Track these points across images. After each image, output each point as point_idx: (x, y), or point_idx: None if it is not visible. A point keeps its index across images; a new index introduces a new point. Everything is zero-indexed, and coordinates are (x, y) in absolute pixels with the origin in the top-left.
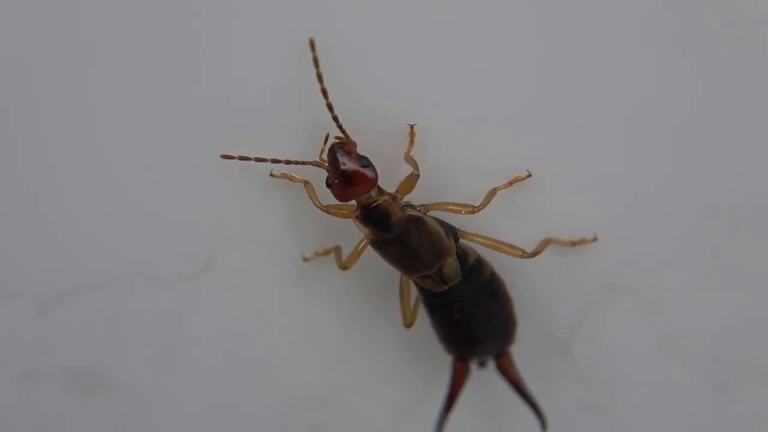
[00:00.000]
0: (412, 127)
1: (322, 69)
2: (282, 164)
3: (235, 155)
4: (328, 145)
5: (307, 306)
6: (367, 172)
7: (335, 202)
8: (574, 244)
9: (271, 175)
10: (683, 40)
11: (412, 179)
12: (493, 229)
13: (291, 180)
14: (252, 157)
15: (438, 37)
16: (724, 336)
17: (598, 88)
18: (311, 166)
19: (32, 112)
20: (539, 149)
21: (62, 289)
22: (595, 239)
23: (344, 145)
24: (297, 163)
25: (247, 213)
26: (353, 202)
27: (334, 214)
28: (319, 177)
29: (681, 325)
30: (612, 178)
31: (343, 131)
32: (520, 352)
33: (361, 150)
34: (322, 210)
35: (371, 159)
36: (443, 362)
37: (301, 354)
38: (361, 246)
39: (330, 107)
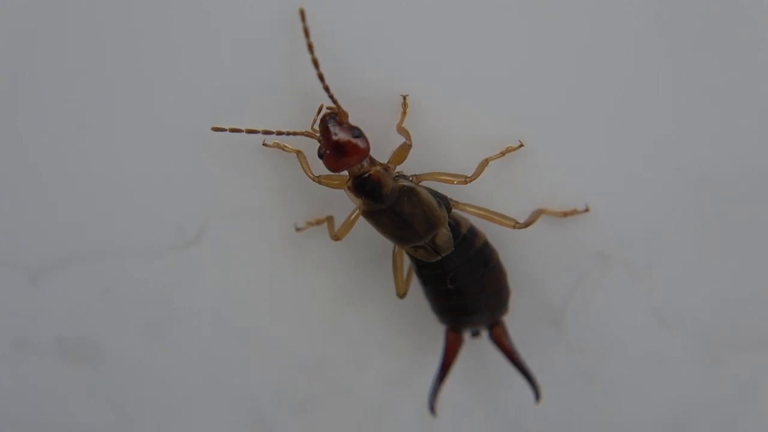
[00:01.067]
0: (404, 97)
1: (312, 39)
2: (274, 135)
3: (227, 127)
4: (321, 116)
5: (300, 276)
6: (359, 142)
7: (327, 172)
8: (566, 214)
9: (264, 144)
10: (678, 10)
11: (405, 149)
12: (486, 200)
13: (283, 150)
14: (243, 129)
15: (430, 7)
16: (714, 306)
17: (591, 59)
18: (303, 136)
19: (26, 86)
20: (532, 120)
21: (54, 260)
22: (587, 210)
23: (336, 116)
24: (289, 133)
25: (238, 184)
26: (345, 173)
27: (327, 185)
28: (311, 147)
29: (672, 295)
30: (604, 150)
31: (334, 101)
32: (512, 321)
33: (352, 121)
34: (314, 180)
35: (363, 129)
36: (436, 332)
37: (294, 324)
38: (353, 216)
39: (321, 77)
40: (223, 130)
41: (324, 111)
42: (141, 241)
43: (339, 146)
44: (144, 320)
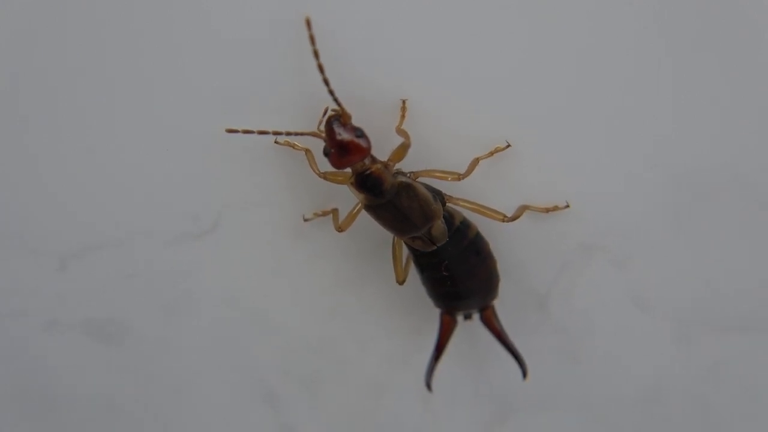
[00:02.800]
0: (404, 102)
1: (318, 46)
2: (284, 135)
3: (239, 129)
4: (326, 117)
5: (307, 263)
6: (361, 142)
7: (333, 169)
8: (548, 210)
9: (276, 142)
10: (663, 17)
11: (404, 148)
12: (477, 195)
13: (293, 148)
14: (255, 130)
15: (430, 8)
16: (687, 291)
17: (576, 62)
18: (310, 136)
19: (42, 78)
20: (519, 121)
21: (81, 247)
22: (567, 206)
23: (340, 117)
24: (297, 134)
25: (251, 178)
26: (349, 170)
27: (332, 181)
28: (318, 146)
29: (648, 281)
30: (586, 148)
31: (339, 104)
32: (502, 306)
33: (355, 121)
34: (320, 176)
35: (365, 130)
36: (432, 314)
37: (301, 307)
38: (355, 210)
39: (326, 82)
40: (236, 131)
41: (329, 113)
42: (161, 229)
43: (343, 146)
44: (163, 302)
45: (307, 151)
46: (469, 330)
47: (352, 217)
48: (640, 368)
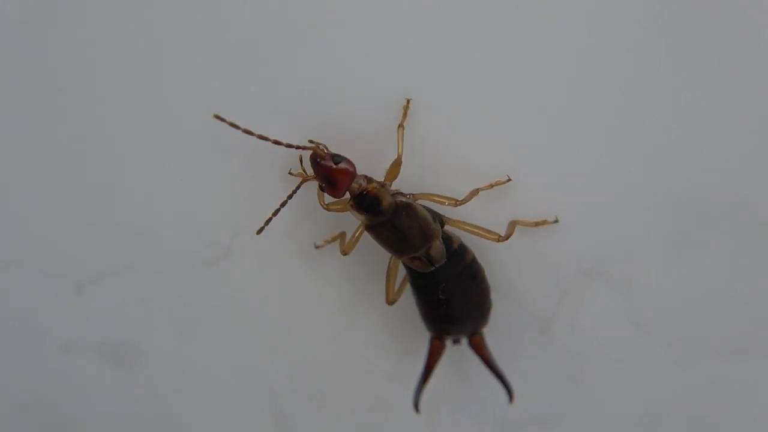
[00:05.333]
0: (408, 101)
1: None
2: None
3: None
4: (306, 161)
5: (316, 285)
6: (343, 166)
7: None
8: (536, 224)
9: (290, 174)
10: (664, 35)
11: (396, 166)
12: (473, 219)
13: (306, 179)
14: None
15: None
16: (686, 315)
17: (574, 85)
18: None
19: (61, 103)
20: (519, 145)
21: (97, 272)
22: (556, 221)
23: (316, 156)
24: (288, 146)
25: (263, 205)
26: (347, 196)
27: (335, 210)
28: None
29: (649, 304)
30: (586, 174)
31: (307, 146)
32: (505, 330)
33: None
34: (324, 208)
35: (345, 154)
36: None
37: (310, 328)
38: (357, 233)
39: (277, 142)
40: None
41: (305, 155)
42: (177, 255)
43: (328, 177)
44: (177, 325)
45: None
46: (470, 352)
47: (354, 240)
48: (640, 390)
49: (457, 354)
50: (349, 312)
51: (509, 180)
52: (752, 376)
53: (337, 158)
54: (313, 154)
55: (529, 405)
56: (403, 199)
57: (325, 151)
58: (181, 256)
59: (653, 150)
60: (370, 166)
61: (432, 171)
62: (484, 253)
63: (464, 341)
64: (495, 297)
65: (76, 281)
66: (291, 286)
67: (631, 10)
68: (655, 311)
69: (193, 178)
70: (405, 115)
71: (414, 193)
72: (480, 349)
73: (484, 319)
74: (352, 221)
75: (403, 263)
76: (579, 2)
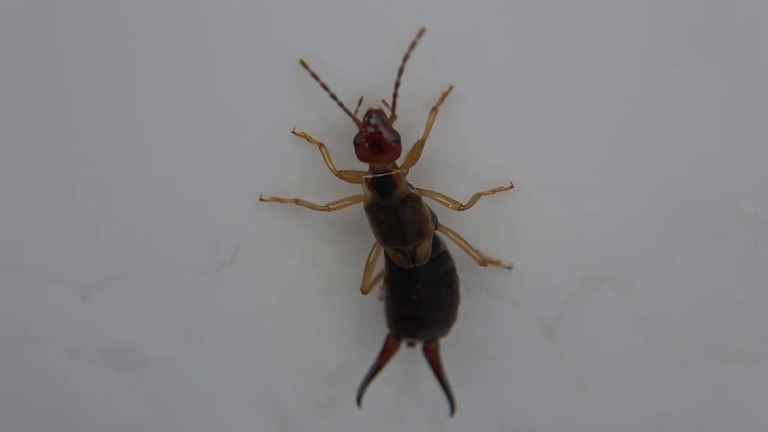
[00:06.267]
0: (450, 88)
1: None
2: (327, 94)
3: (309, 68)
4: (363, 106)
5: (320, 294)
6: (396, 147)
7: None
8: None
9: (293, 132)
10: (666, 40)
11: (419, 148)
12: (474, 223)
13: (308, 141)
14: (321, 80)
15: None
16: (690, 321)
17: (576, 91)
18: (349, 117)
19: (67, 109)
20: (524, 154)
21: (102, 277)
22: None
23: (382, 114)
24: (338, 102)
25: (268, 211)
26: (363, 168)
27: (346, 179)
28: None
29: (654, 310)
30: (589, 180)
31: (394, 104)
32: (508, 336)
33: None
34: (335, 174)
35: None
36: (446, 345)
37: (315, 335)
38: (349, 203)
39: (397, 84)
40: (306, 67)
41: (377, 106)
42: (182, 260)
43: (378, 143)
44: (182, 330)
45: (321, 145)
46: (475, 358)
47: (342, 205)
48: (644, 395)
49: (459, 361)
50: (355, 319)
51: (512, 186)
52: (756, 382)
53: (397, 135)
54: (380, 110)
55: (534, 410)
56: (413, 191)
57: (393, 121)
58: (186, 262)
59: (657, 156)
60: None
61: (431, 173)
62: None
63: (419, 346)
64: (499, 303)
65: (82, 287)
66: (296, 293)
67: (632, 19)
68: (659, 317)
69: (198, 184)
70: (442, 100)
71: (420, 188)
72: (433, 357)
73: (447, 329)
74: (361, 226)
75: (386, 253)
76: (583, 11)
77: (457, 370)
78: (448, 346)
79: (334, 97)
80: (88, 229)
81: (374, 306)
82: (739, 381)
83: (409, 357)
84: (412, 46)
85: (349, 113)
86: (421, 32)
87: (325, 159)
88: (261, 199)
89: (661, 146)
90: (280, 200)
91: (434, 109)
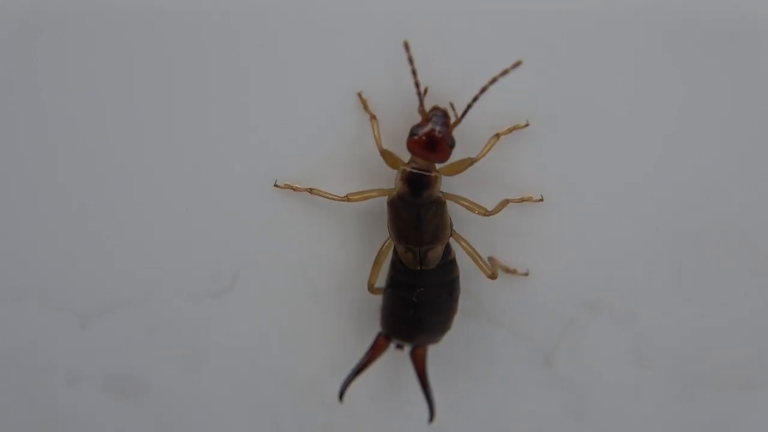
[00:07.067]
0: (527, 123)
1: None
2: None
3: (409, 51)
4: (429, 100)
5: (319, 320)
6: (449, 151)
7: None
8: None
9: (275, 185)
10: (667, 67)
11: (467, 166)
12: (481, 242)
13: (365, 108)
14: (414, 65)
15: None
16: (689, 349)
17: (574, 117)
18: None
19: (68, 136)
20: (521, 183)
21: (101, 305)
22: (541, 199)
23: (446, 116)
24: (419, 91)
25: (268, 238)
26: (404, 156)
27: (387, 160)
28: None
29: (652, 338)
30: (587, 207)
31: (465, 113)
32: (507, 363)
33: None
34: (380, 150)
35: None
36: (449, 372)
37: (314, 362)
38: (373, 194)
39: (476, 99)
40: (407, 50)
41: (443, 105)
42: (180, 286)
43: (434, 141)
44: (182, 357)
45: (373, 117)
46: (473, 384)
47: (365, 196)
48: (643, 423)
49: (456, 387)
50: (354, 345)
51: (541, 199)
52: (755, 411)
53: (453, 141)
54: (446, 110)
55: None
56: (440, 195)
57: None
58: (185, 289)
59: (656, 184)
60: None
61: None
62: (487, 285)
63: (407, 349)
64: (498, 330)
65: (81, 314)
66: (296, 319)
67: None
68: (657, 345)
69: (198, 211)
70: (511, 131)
71: (445, 191)
72: (420, 362)
73: (440, 337)
74: (365, 256)
75: (395, 251)
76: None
77: (453, 396)
78: (445, 372)
79: (418, 85)
80: (88, 257)
81: (372, 335)
82: (738, 409)
83: (410, 383)
84: (504, 72)
85: (422, 104)
86: (517, 64)
87: (374, 131)
88: (275, 186)
89: (661, 175)
90: (294, 188)
91: (497, 135)
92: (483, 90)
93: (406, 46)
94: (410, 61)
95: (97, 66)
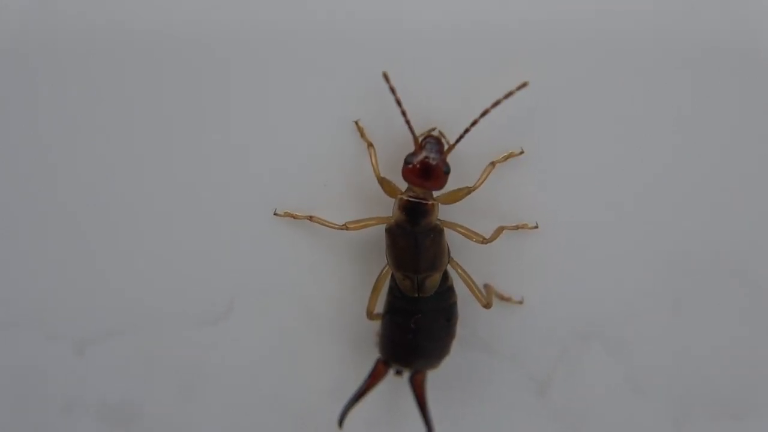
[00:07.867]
0: (522, 151)
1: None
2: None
3: (390, 82)
4: (428, 131)
5: (318, 347)
6: (444, 178)
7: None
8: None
9: (275, 214)
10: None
11: (464, 195)
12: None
13: (361, 135)
14: (397, 95)
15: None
16: (684, 376)
17: (569, 141)
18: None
19: (68, 165)
20: (513, 212)
21: (97, 332)
22: (536, 227)
23: (440, 144)
24: (406, 120)
25: (266, 265)
26: (402, 184)
27: (384, 187)
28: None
29: (646, 366)
30: (579, 236)
31: (460, 139)
32: (500, 392)
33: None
34: (377, 177)
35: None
36: (444, 400)
37: (312, 389)
38: (372, 223)
39: (474, 123)
40: (387, 81)
41: (436, 132)
42: (176, 314)
43: (428, 169)
44: (178, 384)
45: (371, 145)
46: (467, 412)
47: (362, 225)
48: None
49: (451, 415)
50: (353, 372)
51: (536, 227)
52: None
53: (448, 167)
54: (440, 138)
55: None
56: (437, 223)
57: (446, 149)
58: (181, 316)
59: (650, 212)
60: None
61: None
62: (483, 313)
63: (406, 375)
64: (492, 359)
65: (77, 342)
66: (293, 345)
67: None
68: (651, 373)
69: (197, 238)
70: (506, 159)
71: (442, 219)
72: (419, 388)
73: (438, 362)
74: (363, 286)
75: (393, 277)
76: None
77: (448, 425)
78: (440, 400)
79: (404, 114)
80: (84, 285)
81: (374, 359)
82: None
83: (408, 412)
84: (509, 95)
85: (412, 133)
86: (523, 86)
87: (371, 159)
88: (275, 214)
89: (655, 203)
90: (294, 216)
91: (493, 164)
92: (484, 113)
93: (386, 77)
94: (392, 91)
95: (96, 99)
